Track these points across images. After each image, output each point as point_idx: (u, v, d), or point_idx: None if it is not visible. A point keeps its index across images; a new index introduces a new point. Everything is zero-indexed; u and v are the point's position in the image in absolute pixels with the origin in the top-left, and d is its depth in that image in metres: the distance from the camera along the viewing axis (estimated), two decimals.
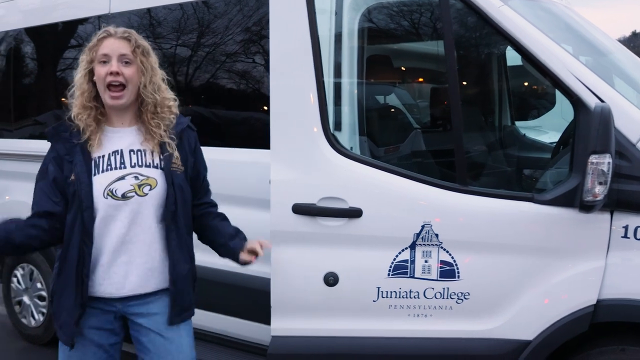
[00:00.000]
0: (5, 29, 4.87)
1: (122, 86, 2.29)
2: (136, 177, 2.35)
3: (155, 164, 2.40)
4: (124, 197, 2.33)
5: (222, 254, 2.61)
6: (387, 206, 2.77)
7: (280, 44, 2.79)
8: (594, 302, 2.61)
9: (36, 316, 4.76)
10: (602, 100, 2.48)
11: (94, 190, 2.32)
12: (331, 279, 2.78)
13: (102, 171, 2.35)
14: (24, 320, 4.86)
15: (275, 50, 2.80)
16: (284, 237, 2.81)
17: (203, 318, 3.48)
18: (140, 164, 2.38)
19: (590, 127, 2.39)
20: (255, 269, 3.24)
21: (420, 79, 4.70)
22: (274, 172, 2.78)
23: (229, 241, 2.55)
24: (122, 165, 2.36)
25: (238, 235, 2.58)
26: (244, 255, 2.51)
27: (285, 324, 2.87)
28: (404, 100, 4.42)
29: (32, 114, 4.81)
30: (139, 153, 2.39)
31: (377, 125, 3.76)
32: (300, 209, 2.77)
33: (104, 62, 2.29)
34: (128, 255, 2.39)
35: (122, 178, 2.34)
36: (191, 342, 2.57)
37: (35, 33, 4.69)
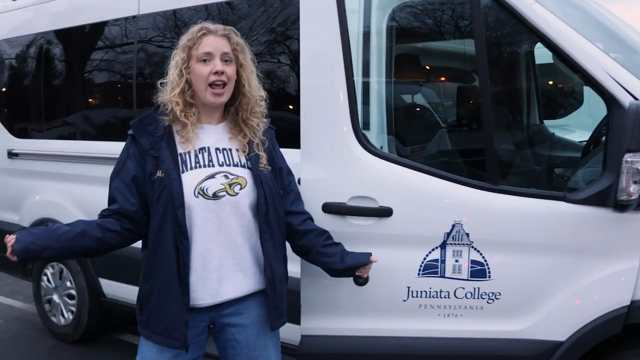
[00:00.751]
0: (34, 32, 4.94)
1: (224, 84, 2.29)
2: (226, 176, 2.29)
3: (242, 163, 2.35)
4: (215, 196, 2.27)
5: (334, 274, 2.60)
6: (417, 205, 2.76)
7: (311, 43, 2.80)
8: (628, 303, 2.58)
9: (66, 314, 4.82)
10: (636, 98, 2.45)
11: (184, 188, 2.25)
12: (361, 279, 2.78)
13: (191, 168, 2.29)
14: (53, 319, 4.92)
15: (306, 50, 2.81)
16: None
17: None
18: (228, 162, 2.33)
19: (625, 126, 2.37)
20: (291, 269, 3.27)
21: (447, 78, 4.68)
22: (304, 171, 2.79)
23: (344, 264, 2.51)
24: (211, 164, 2.30)
25: (345, 254, 2.54)
26: (360, 272, 2.54)
27: (314, 323, 2.87)
28: (431, 99, 4.40)
29: (62, 115, 4.87)
30: (225, 152, 2.34)
31: (404, 124, 3.75)
32: (330, 208, 2.77)
33: (205, 60, 2.27)
34: (220, 259, 2.32)
35: (212, 176, 2.28)
36: (278, 356, 2.54)
37: (64, 35, 4.74)
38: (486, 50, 2.69)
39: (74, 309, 4.74)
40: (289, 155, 3.16)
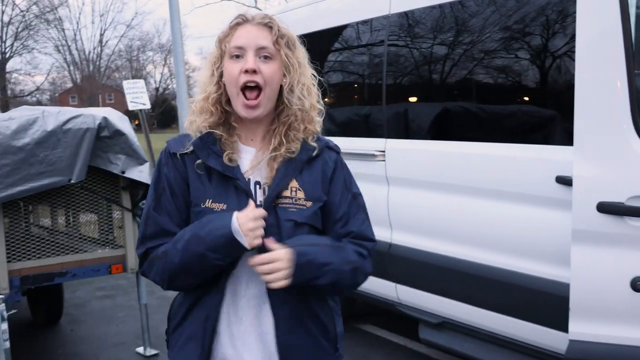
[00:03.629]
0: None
1: (259, 89, 1.69)
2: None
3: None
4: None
5: None
6: None
7: (586, 34, 2.66)
8: None
9: None
10: None
11: None
12: (639, 284, 2.58)
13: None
14: None
15: (582, 42, 2.67)
16: (587, 237, 2.67)
17: (488, 319, 3.48)
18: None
19: None
20: (544, 270, 3.16)
21: None
22: (577, 168, 2.65)
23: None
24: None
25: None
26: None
27: (584, 328, 2.73)
28: None
29: None
30: (266, 187, 1.73)
31: None
32: (606, 208, 2.61)
33: (238, 56, 1.71)
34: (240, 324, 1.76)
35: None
36: None
37: (308, 39, 5.01)
38: None
39: None
40: (530, 150, 3.07)
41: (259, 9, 22.63)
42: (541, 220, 3.19)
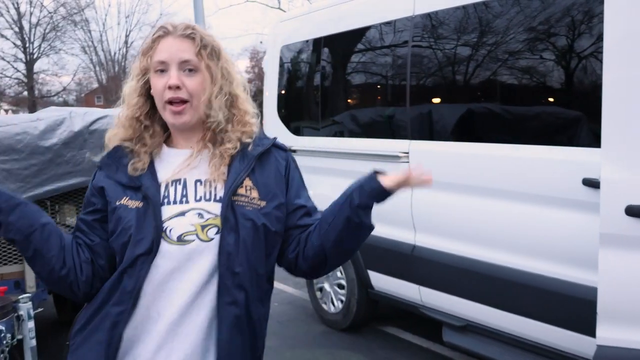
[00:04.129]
0: (304, 39, 5.32)
1: (185, 101, 1.68)
2: (200, 215, 1.67)
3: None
4: (180, 240, 1.64)
5: (352, 216, 1.67)
6: None
7: (615, 34, 2.62)
8: None
9: (335, 303, 5.12)
10: None
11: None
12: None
13: (172, 203, 1.72)
14: (324, 306, 5.25)
15: (609, 42, 2.63)
16: (615, 240, 2.63)
17: (512, 322, 3.44)
18: (207, 197, 1.70)
19: None
20: (570, 273, 3.12)
21: None
22: (606, 171, 2.61)
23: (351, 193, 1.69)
24: (185, 199, 1.70)
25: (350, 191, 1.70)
26: (386, 180, 1.68)
27: (612, 333, 2.69)
28: None
29: (334, 114, 5.17)
30: (208, 184, 1.72)
31: None
32: (634, 211, 2.56)
33: (162, 70, 1.69)
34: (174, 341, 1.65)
35: (181, 214, 1.67)
36: None
37: (333, 40, 5.02)
38: None
39: (343, 298, 5.01)
40: (556, 152, 3.07)
41: (283, 10, 22.68)
42: (567, 223, 3.16)
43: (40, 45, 35.60)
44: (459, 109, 3.94)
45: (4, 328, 3.12)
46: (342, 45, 4.97)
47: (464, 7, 3.74)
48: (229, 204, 1.66)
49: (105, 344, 1.62)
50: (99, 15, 58.21)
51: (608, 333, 2.68)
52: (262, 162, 1.76)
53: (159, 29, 1.72)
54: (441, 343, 4.08)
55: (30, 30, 34.79)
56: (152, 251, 1.62)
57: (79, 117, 4.05)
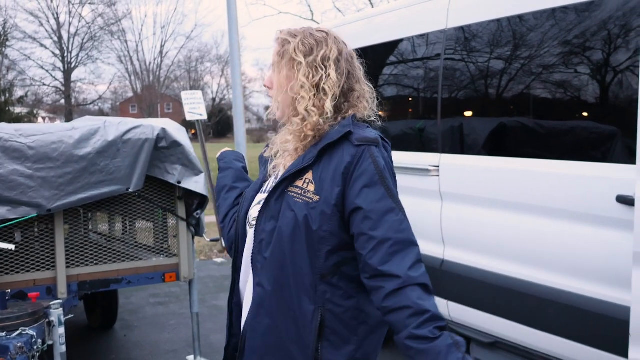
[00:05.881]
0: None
1: None
2: (259, 203, 1.85)
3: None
4: (249, 224, 1.88)
5: None
6: None
7: None
8: None
9: None
10: None
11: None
12: None
13: (263, 192, 1.90)
14: None
15: None
16: None
17: (542, 340, 3.38)
18: (268, 188, 1.88)
19: None
20: (602, 292, 3.06)
21: None
22: None
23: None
24: (265, 189, 1.91)
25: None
26: None
27: None
28: None
29: None
30: (275, 176, 1.89)
31: None
32: None
33: None
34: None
35: (258, 203, 1.87)
36: None
37: (365, 53, 5.02)
38: None
39: None
40: (589, 168, 3.01)
41: (316, 22, 22.78)
42: (601, 240, 3.10)
43: (78, 55, 36.38)
44: (490, 122, 3.91)
45: (35, 333, 3.17)
46: (374, 57, 4.97)
47: (498, 20, 3.72)
48: (273, 194, 1.76)
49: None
50: (135, 26, 59.32)
51: None
52: (332, 156, 1.72)
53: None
54: None
55: (68, 40, 35.59)
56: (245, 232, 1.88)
57: (113, 127, 4.11)
